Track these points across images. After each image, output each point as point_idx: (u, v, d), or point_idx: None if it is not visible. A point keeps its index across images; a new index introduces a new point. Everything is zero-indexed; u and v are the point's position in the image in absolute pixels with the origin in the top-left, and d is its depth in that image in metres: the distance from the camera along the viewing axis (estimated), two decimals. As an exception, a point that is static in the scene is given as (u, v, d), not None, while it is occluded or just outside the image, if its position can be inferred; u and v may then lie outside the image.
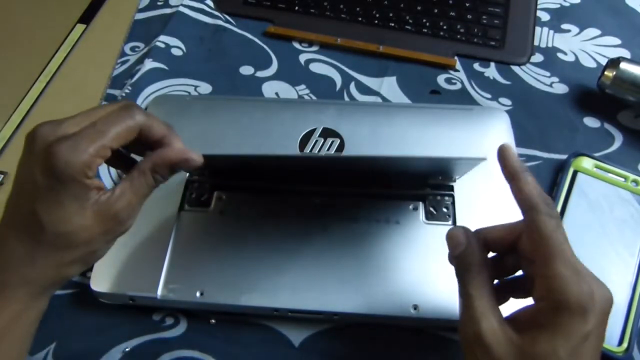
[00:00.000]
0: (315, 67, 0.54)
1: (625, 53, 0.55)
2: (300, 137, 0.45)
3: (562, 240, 0.28)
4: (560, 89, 0.52)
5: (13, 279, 0.29)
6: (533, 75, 0.53)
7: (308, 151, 0.44)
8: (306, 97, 0.52)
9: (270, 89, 0.52)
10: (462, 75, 0.53)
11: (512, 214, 0.41)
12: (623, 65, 0.48)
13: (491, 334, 0.27)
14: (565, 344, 0.25)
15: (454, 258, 0.31)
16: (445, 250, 0.39)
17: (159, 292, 0.38)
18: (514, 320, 0.28)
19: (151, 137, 0.31)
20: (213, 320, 0.39)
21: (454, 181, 0.42)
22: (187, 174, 0.43)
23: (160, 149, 0.31)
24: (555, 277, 0.26)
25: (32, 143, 0.28)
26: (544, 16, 0.58)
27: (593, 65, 0.54)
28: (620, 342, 0.37)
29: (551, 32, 0.57)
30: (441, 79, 0.53)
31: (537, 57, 0.55)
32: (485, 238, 0.31)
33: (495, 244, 0.31)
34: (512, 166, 0.31)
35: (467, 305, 0.29)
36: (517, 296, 0.32)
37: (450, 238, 0.31)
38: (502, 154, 0.32)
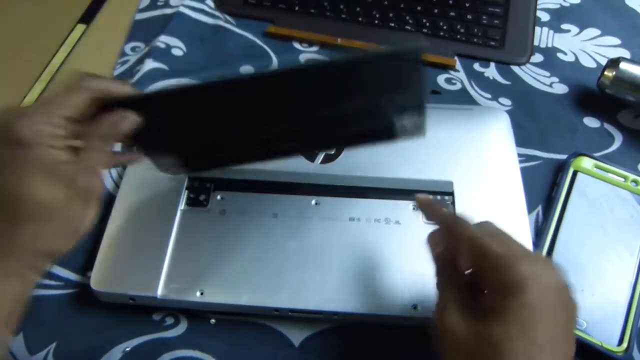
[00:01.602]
0: (315, 67, 0.54)
1: (625, 53, 0.55)
2: (300, 137, 0.45)
3: (488, 238, 0.30)
4: (560, 89, 0.52)
5: None
6: (533, 75, 0.53)
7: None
8: (306, 97, 0.52)
9: (270, 89, 0.52)
10: (462, 75, 0.53)
11: (511, 213, 0.41)
12: (623, 65, 0.48)
13: (454, 322, 0.30)
14: (514, 324, 0.27)
15: (432, 258, 0.34)
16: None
17: (159, 292, 0.38)
18: (477, 309, 0.30)
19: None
20: (213, 320, 0.39)
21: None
22: (187, 176, 0.43)
23: None
24: (492, 268, 0.29)
25: None
26: (544, 16, 0.58)
27: (593, 65, 0.54)
28: (620, 342, 0.37)
29: (551, 32, 0.57)
30: (441, 79, 0.53)
31: (537, 57, 0.55)
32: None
33: None
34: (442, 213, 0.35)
35: (439, 296, 0.32)
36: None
37: (430, 240, 0.34)
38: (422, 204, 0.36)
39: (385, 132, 0.38)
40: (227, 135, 0.38)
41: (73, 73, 0.31)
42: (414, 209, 0.41)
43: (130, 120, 0.32)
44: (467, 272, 0.32)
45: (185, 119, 0.36)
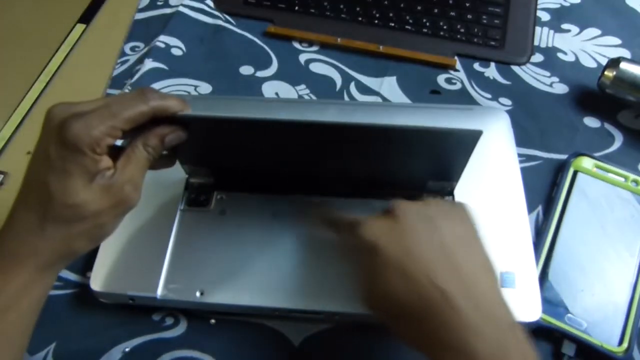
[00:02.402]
0: (315, 67, 0.54)
1: (625, 53, 0.55)
2: (301, 137, 0.45)
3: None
4: (560, 89, 0.52)
5: (22, 249, 0.30)
6: (533, 75, 0.53)
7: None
8: (306, 97, 0.52)
9: (270, 89, 0.52)
10: (462, 75, 0.53)
11: (511, 213, 0.41)
12: (623, 65, 0.48)
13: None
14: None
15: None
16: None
17: (159, 292, 0.38)
18: None
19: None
20: (213, 320, 0.39)
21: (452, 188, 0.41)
22: (187, 175, 0.43)
23: None
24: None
25: (48, 120, 0.30)
26: (544, 16, 0.58)
27: (593, 65, 0.54)
28: (620, 342, 0.37)
29: (551, 32, 0.57)
30: (441, 79, 0.53)
31: (537, 57, 0.55)
32: None
33: None
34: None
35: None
36: None
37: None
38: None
39: (415, 189, 0.41)
40: (264, 166, 0.41)
41: (141, 88, 0.32)
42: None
43: (177, 135, 0.33)
44: None
45: (229, 145, 0.38)
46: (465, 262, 0.29)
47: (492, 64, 0.54)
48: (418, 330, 0.29)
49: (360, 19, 0.57)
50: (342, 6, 0.57)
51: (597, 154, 0.46)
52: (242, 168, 0.42)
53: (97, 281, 0.39)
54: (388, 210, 0.32)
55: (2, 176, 0.46)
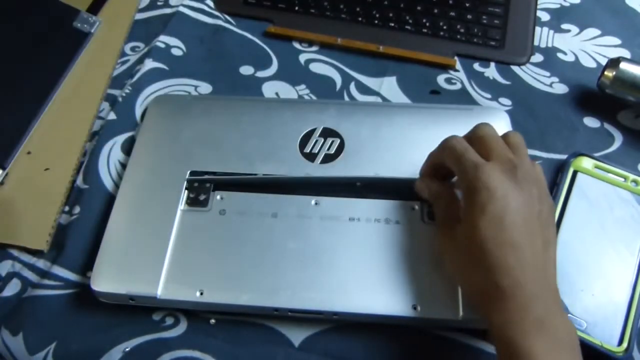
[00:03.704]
0: (315, 67, 0.54)
1: (625, 53, 0.55)
2: (300, 137, 0.45)
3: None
4: (560, 89, 0.52)
5: None
6: (533, 75, 0.53)
7: (308, 151, 0.44)
8: (306, 97, 0.52)
9: (270, 89, 0.52)
10: (462, 75, 0.53)
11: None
12: (623, 65, 0.48)
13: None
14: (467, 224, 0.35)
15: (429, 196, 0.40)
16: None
17: (159, 291, 0.38)
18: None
19: None
20: (213, 320, 0.39)
21: None
22: (188, 172, 0.43)
23: None
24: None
25: None
26: (544, 16, 0.58)
27: (593, 65, 0.54)
28: (620, 342, 0.37)
29: (551, 32, 0.57)
30: (441, 79, 0.53)
31: (537, 57, 0.55)
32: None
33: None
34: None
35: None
36: None
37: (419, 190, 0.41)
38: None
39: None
40: None
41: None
42: (413, 209, 0.41)
43: None
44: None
45: None
46: (547, 247, 0.35)
47: (492, 64, 0.54)
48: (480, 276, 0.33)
49: (360, 19, 0.57)
50: (342, 6, 0.57)
51: (597, 154, 0.46)
52: None
53: (97, 281, 0.39)
54: (510, 161, 0.35)
55: (2, 176, 0.46)
